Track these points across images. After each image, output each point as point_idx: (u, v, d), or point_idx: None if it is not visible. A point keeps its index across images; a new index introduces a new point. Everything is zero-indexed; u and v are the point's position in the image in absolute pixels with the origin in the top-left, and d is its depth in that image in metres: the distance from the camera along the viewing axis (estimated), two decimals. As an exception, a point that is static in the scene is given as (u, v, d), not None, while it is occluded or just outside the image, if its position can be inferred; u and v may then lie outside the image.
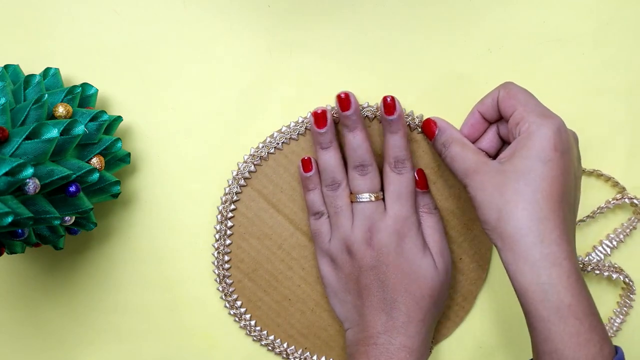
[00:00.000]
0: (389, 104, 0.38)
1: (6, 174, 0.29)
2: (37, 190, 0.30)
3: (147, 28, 0.40)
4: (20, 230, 0.32)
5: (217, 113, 0.41)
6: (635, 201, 0.40)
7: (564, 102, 0.40)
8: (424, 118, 0.40)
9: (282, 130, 0.40)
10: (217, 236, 0.41)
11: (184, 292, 0.42)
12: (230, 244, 0.41)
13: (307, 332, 0.42)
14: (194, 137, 0.41)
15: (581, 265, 0.41)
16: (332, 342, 0.42)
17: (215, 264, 0.41)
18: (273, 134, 0.40)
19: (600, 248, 0.41)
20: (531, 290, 0.32)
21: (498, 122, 0.38)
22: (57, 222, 0.32)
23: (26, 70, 0.38)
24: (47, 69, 0.37)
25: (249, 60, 0.40)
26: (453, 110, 0.40)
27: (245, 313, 0.42)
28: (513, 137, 0.35)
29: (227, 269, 0.41)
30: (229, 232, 0.41)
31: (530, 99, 0.35)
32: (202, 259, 0.42)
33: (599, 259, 0.41)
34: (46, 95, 0.33)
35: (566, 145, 0.34)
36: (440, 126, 0.38)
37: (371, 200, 0.38)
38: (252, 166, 0.40)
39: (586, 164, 0.41)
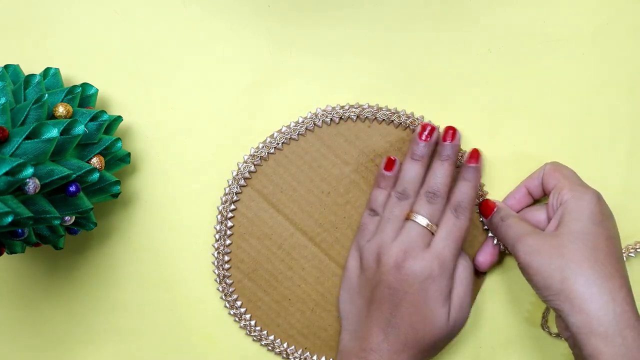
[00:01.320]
0: (474, 153, 0.39)
1: (6, 173, 0.29)
2: (37, 190, 0.30)
3: (147, 28, 0.40)
4: (20, 230, 0.32)
5: (217, 113, 0.41)
6: None
7: (564, 102, 0.40)
8: (434, 127, 0.40)
9: (282, 131, 0.40)
10: (217, 236, 0.41)
11: (184, 292, 0.42)
12: (230, 244, 0.41)
13: (307, 332, 0.42)
14: (194, 137, 0.41)
15: None
16: (332, 342, 0.42)
17: (215, 264, 0.41)
18: (273, 134, 0.40)
19: None
20: (605, 353, 0.31)
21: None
22: (57, 222, 0.32)
23: (26, 70, 0.38)
24: (47, 69, 0.37)
25: (249, 60, 0.40)
26: (453, 111, 0.40)
27: (245, 313, 0.42)
28: (553, 207, 0.37)
29: (227, 269, 0.41)
30: (229, 232, 0.41)
31: (573, 173, 0.38)
32: (202, 259, 0.42)
33: None
34: (46, 95, 0.33)
35: (609, 212, 0.36)
36: (499, 205, 0.40)
37: (424, 227, 0.38)
38: (252, 166, 0.40)
39: (586, 164, 0.41)
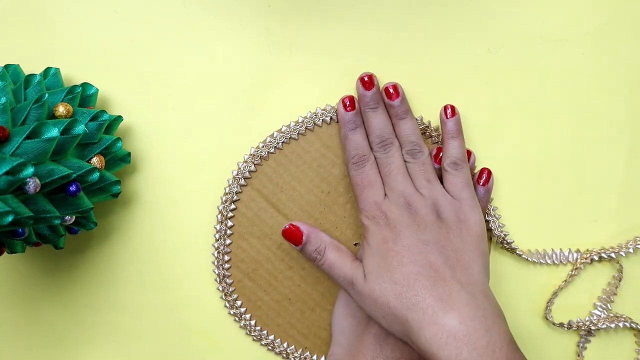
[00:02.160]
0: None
1: (6, 173, 0.29)
2: (38, 190, 0.30)
3: (148, 28, 0.40)
4: (20, 230, 0.32)
5: (217, 113, 0.41)
6: (605, 255, 0.41)
7: (564, 102, 0.40)
8: (423, 120, 0.40)
9: (282, 130, 0.40)
10: (217, 236, 0.41)
11: (184, 292, 0.42)
12: (230, 244, 0.41)
13: (307, 331, 0.42)
14: (194, 137, 0.41)
15: (590, 324, 0.41)
16: None
17: (215, 263, 0.41)
18: (273, 134, 0.40)
19: (599, 304, 0.41)
20: None
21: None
22: (57, 222, 0.32)
23: (26, 70, 0.38)
24: (48, 69, 0.37)
25: (249, 60, 0.40)
26: (453, 110, 0.40)
27: (245, 313, 0.42)
28: None
29: (227, 269, 0.41)
30: (229, 231, 0.41)
31: (361, 195, 0.37)
32: (202, 258, 0.42)
33: (603, 315, 0.41)
34: (46, 95, 0.33)
35: (396, 230, 0.36)
36: (306, 232, 0.38)
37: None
38: (253, 166, 0.40)
39: (586, 164, 0.41)
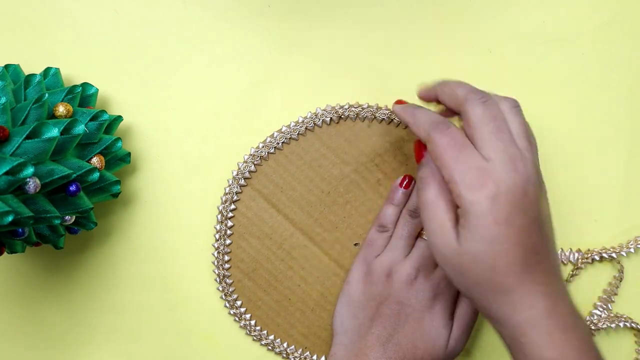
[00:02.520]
0: None
1: (7, 173, 0.29)
2: (38, 190, 0.30)
3: (148, 28, 0.40)
4: (20, 230, 0.32)
5: (217, 113, 0.41)
6: (606, 255, 0.41)
7: (564, 102, 0.41)
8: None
9: (283, 130, 0.40)
10: (217, 236, 0.41)
11: (184, 292, 0.42)
12: (230, 244, 0.41)
13: (307, 331, 0.42)
14: (194, 136, 0.41)
15: (591, 324, 0.41)
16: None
17: (215, 263, 0.41)
18: (273, 134, 0.40)
19: (600, 304, 0.41)
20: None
21: None
22: (57, 222, 0.32)
23: (27, 70, 0.38)
24: (48, 69, 0.37)
25: (249, 60, 0.40)
26: (453, 110, 0.41)
27: (245, 313, 0.42)
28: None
29: (227, 269, 0.41)
30: (229, 231, 0.41)
31: (455, 161, 0.30)
32: (202, 258, 0.42)
33: (604, 314, 0.41)
34: (46, 95, 0.33)
35: (509, 211, 0.29)
36: (425, 158, 0.34)
37: None
38: (252, 166, 0.40)
39: (586, 165, 0.41)
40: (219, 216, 0.41)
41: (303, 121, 0.40)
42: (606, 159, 0.41)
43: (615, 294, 0.41)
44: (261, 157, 0.40)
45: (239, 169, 0.40)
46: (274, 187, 0.41)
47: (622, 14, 0.40)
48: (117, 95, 0.40)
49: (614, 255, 0.41)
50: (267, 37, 0.40)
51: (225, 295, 0.42)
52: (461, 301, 0.39)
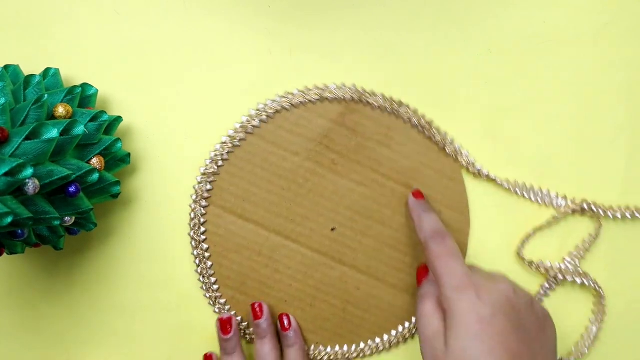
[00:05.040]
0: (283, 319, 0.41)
1: (6, 174, 0.29)
2: (37, 191, 0.30)
3: (148, 28, 0.40)
4: (20, 231, 0.32)
5: (217, 113, 0.40)
6: (586, 207, 0.41)
7: (564, 102, 0.40)
8: (426, 119, 0.40)
9: (224, 141, 0.40)
10: (197, 261, 0.41)
11: (184, 293, 0.42)
12: (212, 265, 0.41)
13: (313, 327, 0.42)
14: (194, 137, 0.41)
15: (558, 273, 0.41)
16: (339, 329, 0.42)
17: (204, 288, 0.41)
18: (215, 147, 0.40)
19: (568, 259, 0.41)
20: None
21: None
22: (57, 223, 0.32)
23: (26, 71, 0.37)
24: (47, 69, 0.37)
25: (249, 60, 0.40)
26: (453, 111, 0.40)
27: (248, 328, 0.42)
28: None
29: (217, 290, 0.41)
30: (206, 254, 0.41)
31: (445, 266, 0.34)
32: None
33: (571, 268, 0.41)
34: (46, 96, 0.33)
35: (492, 309, 0.32)
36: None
37: None
38: (208, 184, 0.40)
39: (586, 165, 0.41)
40: (193, 242, 0.41)
41: (240, 127, 0.40)
42: (606, 159, 0.41)
43: (587, 251, 0.41)
44: (213, 174, 0.40)
45: (196, 191, 0.40)
46: (235, 199, 0.40)
47: (622, 14, 0.40)
48: (117, 95, 0.40)
49: (601, 212, 0.40)
50: (267, 37, 0.40)
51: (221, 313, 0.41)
52: None
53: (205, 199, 0.40)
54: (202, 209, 0.40)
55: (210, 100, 0.40)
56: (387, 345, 0.42)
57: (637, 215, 0.41)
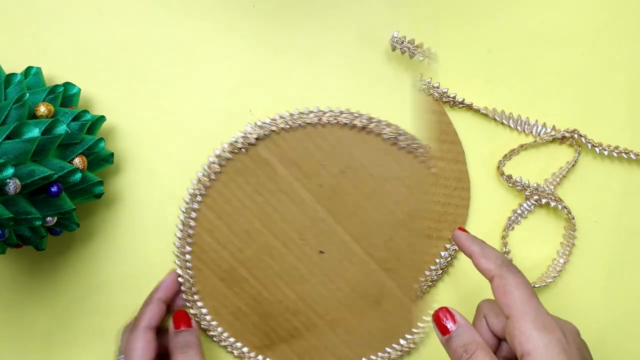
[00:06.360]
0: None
1: (-15, 174, 0.28)
2: (18, 191, 0.30)
3: (131, 28, 0.40)
4: (0, 231, 0.32)
5: (201, 113, 0.40)
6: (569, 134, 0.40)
7: (564, 102, 0.41)
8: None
9: (199, 177, 0.40)
10: (191, 306, 0.41)
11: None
12: (202, 306, 0.41)
13: (323, 311, 0.41)
14: (178, 137, 0.40)
15: (535, 194, 0.40)
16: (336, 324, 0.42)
17: (200, 324, 0.41)
18: (192, 182, 0.40)
19: (550, 180, 0.41)
20: None
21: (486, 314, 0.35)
22: (38, 223, 0.32)
23: (7, 69, 0.37)
24: (29, 68, 0.37)
25: (233, 60, 0.40)
26: (452, 111, 0.40)
27: (250, 352, 0.42)
28: (513, 347, 0.31)
29: (210, 320, 0.41)
30: (196, 296, 0.41)
31: (528, 300, 0.31)
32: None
33: (548, 191, 0.41)
34: (27, 95, 0.33)
35: (576, 351, 0.31)
36: (459, 322, 0.33)
37: None
38: (191, 221, 0.40)
39: (586, 164, 0.41)
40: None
41: (212, 164, 0.39)
42: (606, 159, 0.41)
43: (564, 177, 0.41)
44: (193, 211, 0.40)
45: (177, 247, 0.40)
46: (216, 245, 0.40)
47: (622, 14, 0.40)
48: (100, 95, 0.40)
49: (583, 140, 0.40)
50: (252, 38, 0.40)
51: (220, 342, 0.41)
52: None
53: (189, 244, 0.40)
54: (186, 264, 0.40)
55: (193, 100, 0.40)
56: None
57: (614, 154, 0.40)
